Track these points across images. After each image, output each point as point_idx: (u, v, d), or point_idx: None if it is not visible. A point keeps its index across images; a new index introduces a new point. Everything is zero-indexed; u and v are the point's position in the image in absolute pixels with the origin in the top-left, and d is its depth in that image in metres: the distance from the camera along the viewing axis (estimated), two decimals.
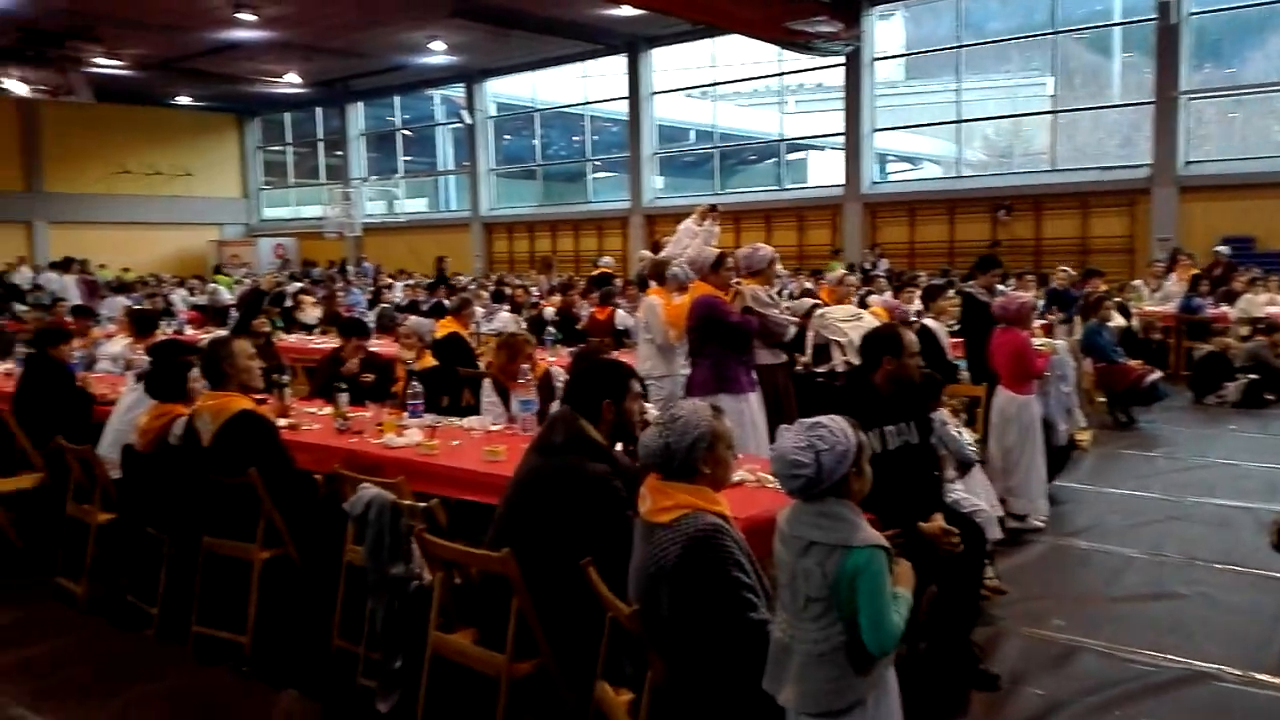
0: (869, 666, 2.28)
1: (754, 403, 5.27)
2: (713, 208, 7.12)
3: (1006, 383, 6.10)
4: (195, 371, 4.73)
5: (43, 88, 19.27)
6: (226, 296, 16.75)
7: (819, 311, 6.09)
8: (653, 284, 6.58)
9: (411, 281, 17.36)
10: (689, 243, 7.07)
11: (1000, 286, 7.69)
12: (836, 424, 2.36)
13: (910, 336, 3.85)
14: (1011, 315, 6.16)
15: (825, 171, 23.76)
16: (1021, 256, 16.96)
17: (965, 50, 18.63)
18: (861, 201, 19.44)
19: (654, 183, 22.64)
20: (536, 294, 13.50)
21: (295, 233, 28.73)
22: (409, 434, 4.57)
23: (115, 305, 14.32)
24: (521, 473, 3.19)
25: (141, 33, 18.85)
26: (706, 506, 2.55)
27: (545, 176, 25.57)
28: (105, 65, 20.41)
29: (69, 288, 14.84)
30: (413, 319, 6.57)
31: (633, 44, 21.45)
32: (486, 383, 5.25)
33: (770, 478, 3.69)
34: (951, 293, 7.49)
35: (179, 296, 16.24)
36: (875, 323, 6.26)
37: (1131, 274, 15.64)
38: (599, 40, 20.96)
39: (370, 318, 11.01)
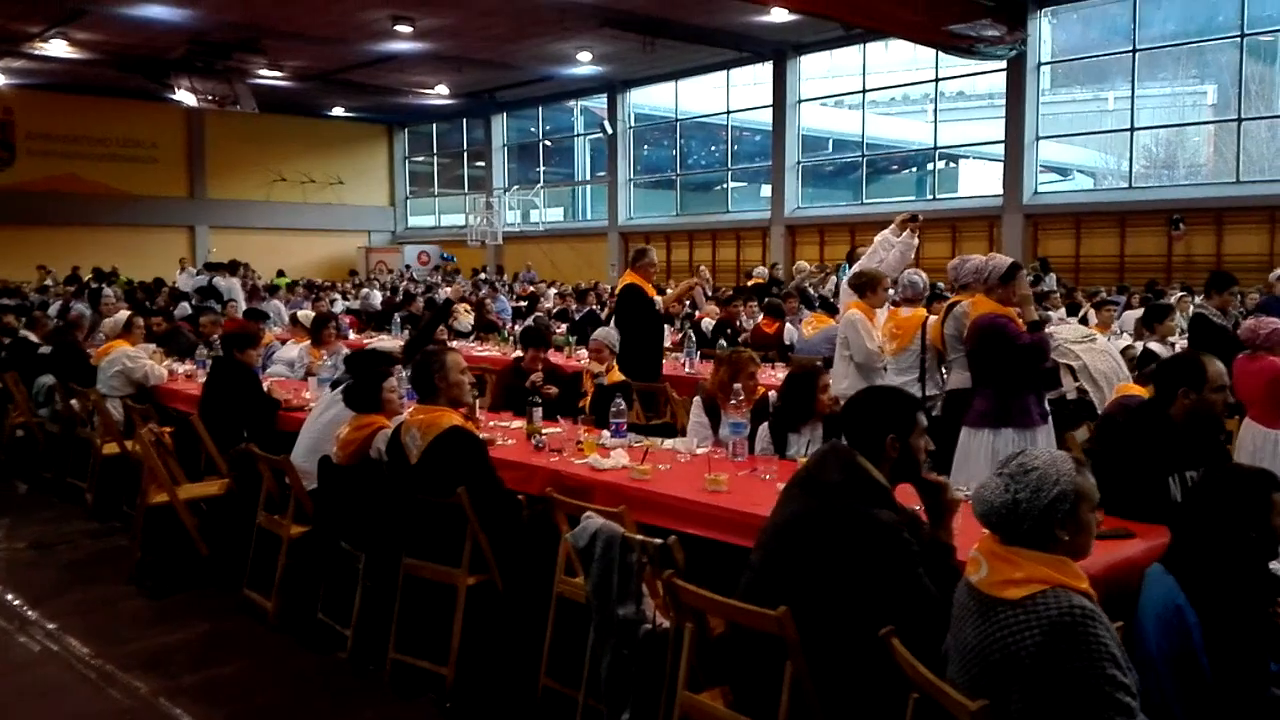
0: None
1: (1042, 438, 4.64)
2: (914, 217, 6.67)
3: (1256, 415, 5.42)
4: (391, 382, 4.54)
5: (210, 98, 20.06)
6: (377, 301, 16.98)
7: (1047, 331, 5.51)
8: (851, 296, 6.12)
9: (556, 289, 17.28)
10: (884, 255, 6.62)
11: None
12: None
13: (1216, 367, 3.29)
14: (1261, 340, 5.50)
15: (975, 182, 22.82)
16: (1200, 273, 15.79)
17: (1121, 57, 17.56)
18: (1023, 213, 18.46)
19: (796, 192, 22.11)
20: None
21: (438, 240, 29.27)
22: (615, 455, 4.23)
23: (274, 308, 14.64)
24: (785, 515, 2.79)
25: (302, 45, 19.42)
26: (1071, 583, 2.09)
27: (682, 186, 25.33)
28: (267, 76, 21.15)
29: (235, 289, 15.23)
30: (601, 329, 6.28)
31: (780, 51, 20.98)
32: (696, 401, 4.88)
33: None
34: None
35: (337, 301, 16.55)
36: (1109, 346, 5.68)
37: None
38: (746, 48, 20.58)
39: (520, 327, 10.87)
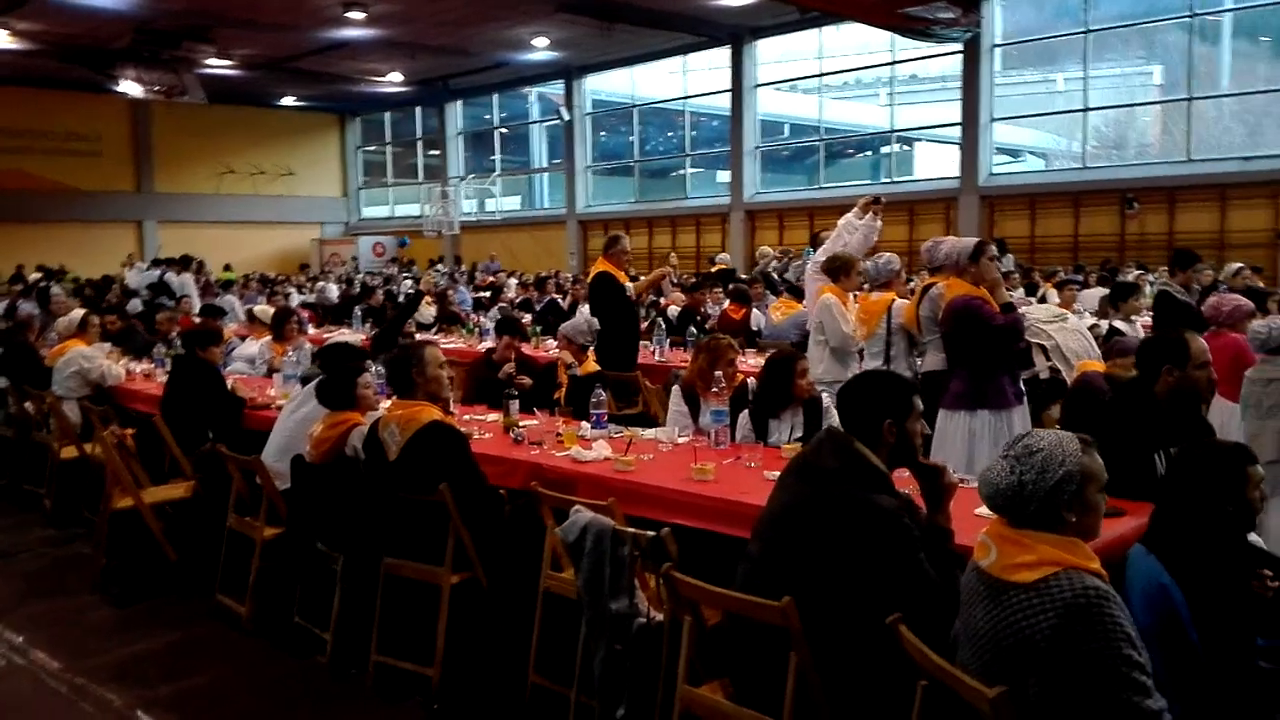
0: None
1: (1018, 418, 4.67)
2: (876, 199, 6.67)
3: (1223, 391, 5.50)
4: (366, 377, 4.44)
5: (157, 88, 19.53)
6: (333, 294, 16.70)
7: (1019, 311, 5.52)
8: (820, 281, 6.09)
9: (517, 279, 17.13)
10: (848, 238, 6.60)
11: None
12: None
13: (1199, 344, 3.31)
14: (1224, 317, 5.57)
15: (930, 164, 23.00)
16: (1153, 252, 16.07)
17: (1071, 39, 17.84)
18: (979, 194, 18.64)
19: (755, 177, 22.13)
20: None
21: (393, 231, 28.90)
22: (597, 447, 4.17)
23: (228, 303, 14.34)
24: (782, 503, 2.75)
25: (252, 33, 18.99)
26: (1082, 564, 2.07)
27: (640, 173, 25.25)
28: (216, 66, 20.66)
29: (188, 285, 14.89)
30: (569, 321, 6.19)
31: (737, 35, 20.95)
32: (675, 390, 4.83)
33: None
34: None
35: (292, 295, 16.26)
36: (1080, 325, 5.72)
37: (1275, 269, 14.68)
38: (702, 32, 20.50)
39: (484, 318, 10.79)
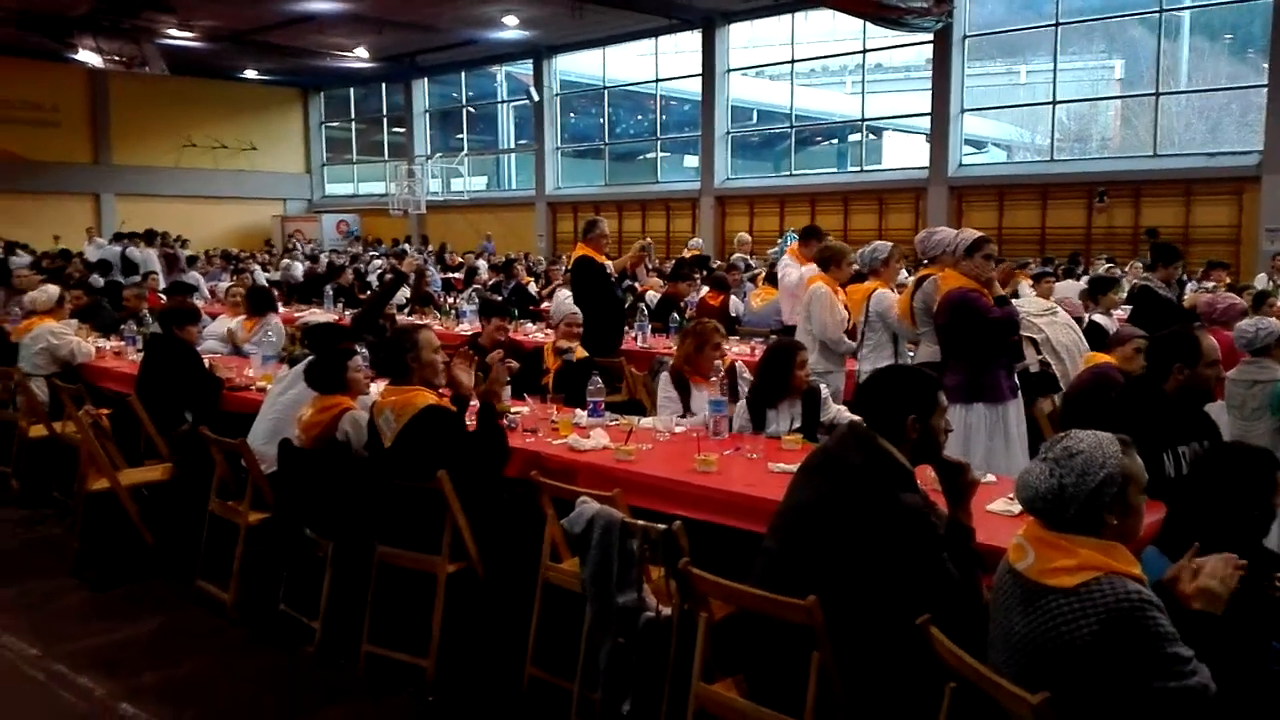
0: None
1: (1013, 412, 4.68)
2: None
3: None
4: (357, 360, 4.34)
5: (116, 58, 19.02)
6: (299, 272, 16.42)
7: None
8: (795, 269, 6.07)
9: (487, 261, 16.94)
10: None
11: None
12: None
13: (1209, 342, 3.31)
14: (1218, 316, 5.63)
15: (898, 153, 23.09)
16: (1120, 245, 16.29)
17: (1036, 32, 18.03)
18: (947, 185, 18.73)
19: (725, 163, 22.07)
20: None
21: (357, 209, 28.49)
22: (595, 435, 4.11)
23: (193, 279, 14.02)
24: (804, 498, 2.70)
25: (215, 4, 18.55)
26: (1123, 569, 2.04)
27: (610, 156, 25.08)
28: (177, 36, 20.16)
29: (152, 260, 14.52)
30: (570, 304, 6.08)
31: (709, 19, 20.83)
32: (664, 376, 4.77)
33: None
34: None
35: (257, 272, 15.96)
36: (1069, 318, 5.74)
37: (1238, 265, 14.91)
38: (674, 15, 20.36)
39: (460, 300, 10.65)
